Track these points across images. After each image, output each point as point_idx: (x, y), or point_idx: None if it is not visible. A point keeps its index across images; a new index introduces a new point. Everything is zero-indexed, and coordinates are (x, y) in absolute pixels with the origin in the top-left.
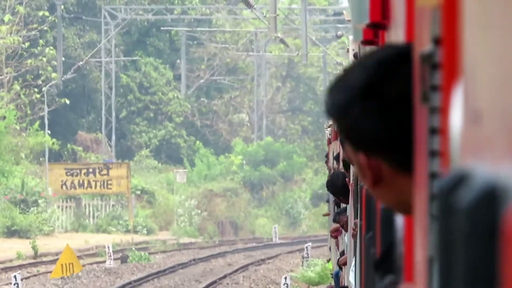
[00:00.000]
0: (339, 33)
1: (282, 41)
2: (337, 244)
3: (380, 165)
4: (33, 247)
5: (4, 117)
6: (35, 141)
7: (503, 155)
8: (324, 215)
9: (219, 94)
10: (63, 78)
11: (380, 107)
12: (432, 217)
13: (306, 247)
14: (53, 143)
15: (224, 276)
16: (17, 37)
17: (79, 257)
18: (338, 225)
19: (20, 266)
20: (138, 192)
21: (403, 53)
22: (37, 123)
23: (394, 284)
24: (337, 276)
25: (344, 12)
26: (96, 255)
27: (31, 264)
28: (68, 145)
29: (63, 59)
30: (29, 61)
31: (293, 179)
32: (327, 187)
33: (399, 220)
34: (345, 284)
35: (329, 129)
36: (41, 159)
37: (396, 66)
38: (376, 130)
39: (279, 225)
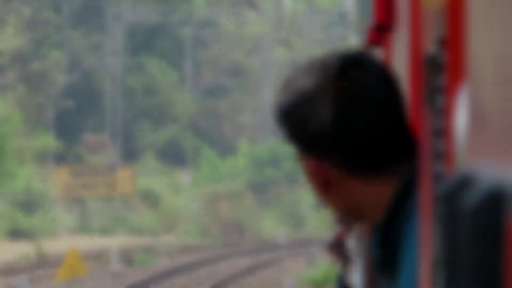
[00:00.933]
0: (344, 34)
1: (286, 42)
2: (341, 246)
3: (329, 169)
4: (38, 250)
5: (9, 119)
6: (40, 143)
7: (508, 157)
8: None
9: (224, 96)
10: (68, 80)
11: (328, 110)
12: (437, 219)
13: (312, 249)
14: (58, 145)
15: (229, 278)
16: (22, 39)
17: (84, 260)
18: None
19: (24, 269)
20: (143, 194)
21: (348, 59)
22: (42, 125)
23: None
24: (341, 279)
25: (349, 13)
26: (101, 257)
27: (36, 267)
28: (73, 147)
29: (68, 61)
30: (34, 63)
31: (298, 181)
32: None
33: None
34: (350, 286)
35: None
36: (46, 161)
37: (342, 70)
38: (324, 132)
39: (284, 227)
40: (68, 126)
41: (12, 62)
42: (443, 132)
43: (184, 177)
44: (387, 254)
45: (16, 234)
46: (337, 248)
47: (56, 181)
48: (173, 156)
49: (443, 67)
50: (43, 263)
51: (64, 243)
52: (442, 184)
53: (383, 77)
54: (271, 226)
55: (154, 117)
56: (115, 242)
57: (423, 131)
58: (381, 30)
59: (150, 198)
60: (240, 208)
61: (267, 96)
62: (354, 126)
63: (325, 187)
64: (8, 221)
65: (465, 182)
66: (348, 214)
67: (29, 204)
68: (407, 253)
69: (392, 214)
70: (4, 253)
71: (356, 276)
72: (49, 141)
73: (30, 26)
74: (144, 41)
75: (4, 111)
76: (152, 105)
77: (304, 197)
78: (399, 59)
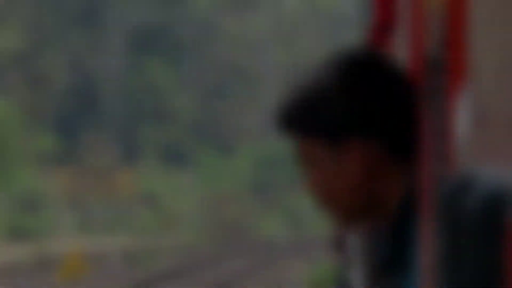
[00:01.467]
0: (345, 34)
1: (288, 43)
2: (342, 246)
3: (372, 151)
4: (39, 250)
5: (10, 120)
6: (41, 143)
7: (510, 158)
8: None
9: (226, 97)
10: (69, 81)
11: (353, 100)
12: (438, 220)
13: (312, 249)
14: (59, 146)
15: (230, 279)
16: (23, 39)
17: (85, 260)
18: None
19: (25, 269)
20: (144, 195)
21: (360, 56)
22: (43, 126)
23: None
24: (341, 279)
25: (349, 13)
26: (101, 258)
27: (36, 267)
28: (74, 148)
29: (69, 62)
30: (35, 64)
31: (300, 181)
32: None
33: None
34: (351, 286)
35: None
36: (46, 161)
37: (353, 67)
38: (349, 115)
39: (286, 227)
40: (69, 127)
41: (13, 63)
42: (444, 132)
43: (184, 178)
44: (394, 253)
45: (16, 234)
46: (338, 247)
47: (56, 181)
48: (174, 157)
49: (444, 67)
50: (44, 263)
51: (64, 244)
52: (443, 185)
53: (394, 73)
54: (272, 227)
55: (155, 118)
56: (116, 242)
57: (424, 132)
58: (381, 30)
59: (150, 199)
60: (241, 209)
61: (268, 96)
62: (381, 111)
63: (367, 174)
64: (8, 222)
65: (466, 183)
66: (363, 207)
67: (29, 204)
68: (415, 252)
69: (402, 212)
70: (5, 254)
71: (357, 276)
72: (49, 141)
73: (31, 26)
74: (145, 42)
75: (5, 111)
76: (153, 106)
77: (305, 198)
78: (399, 59)
